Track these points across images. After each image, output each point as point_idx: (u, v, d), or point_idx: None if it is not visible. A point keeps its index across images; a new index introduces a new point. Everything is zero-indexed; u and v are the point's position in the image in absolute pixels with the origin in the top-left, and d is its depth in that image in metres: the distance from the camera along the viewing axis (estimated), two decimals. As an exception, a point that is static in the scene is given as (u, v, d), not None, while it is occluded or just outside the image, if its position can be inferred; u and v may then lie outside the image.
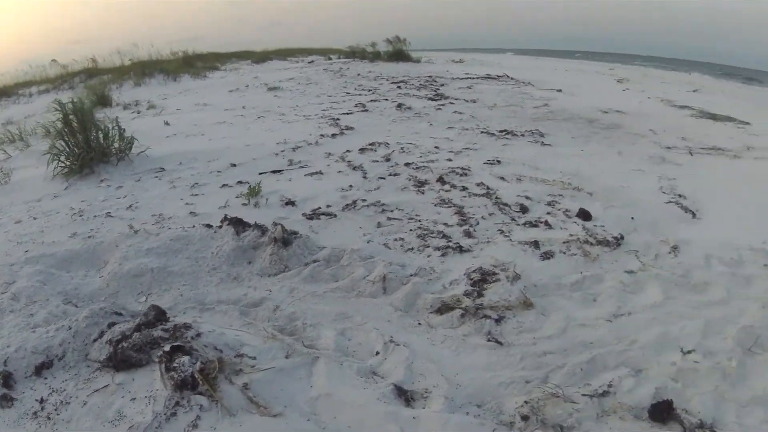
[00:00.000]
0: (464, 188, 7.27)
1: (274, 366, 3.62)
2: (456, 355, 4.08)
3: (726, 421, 3.63)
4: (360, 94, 15.98)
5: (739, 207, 7.90)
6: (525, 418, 3.46)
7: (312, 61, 28.18)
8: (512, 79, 20.33)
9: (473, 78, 20.16)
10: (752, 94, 31.15)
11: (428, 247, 5.65)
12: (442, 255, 5.49)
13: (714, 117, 16.66)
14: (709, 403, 3.74)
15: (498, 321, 4.42)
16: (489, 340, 4.20)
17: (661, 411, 3.57)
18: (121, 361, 3.53)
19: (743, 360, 4.25)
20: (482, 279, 4.97)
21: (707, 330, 4.60)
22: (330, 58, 29.60)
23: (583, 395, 3.70)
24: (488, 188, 7.33)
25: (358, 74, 21.48)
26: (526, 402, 3.58)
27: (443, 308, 4.55)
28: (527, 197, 7.12)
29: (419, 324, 4.42)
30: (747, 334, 4.54)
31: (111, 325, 3.87)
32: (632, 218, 6.79)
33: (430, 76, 20.25)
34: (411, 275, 5.05)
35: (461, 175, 7.84)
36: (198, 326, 3.90)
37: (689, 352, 4.27)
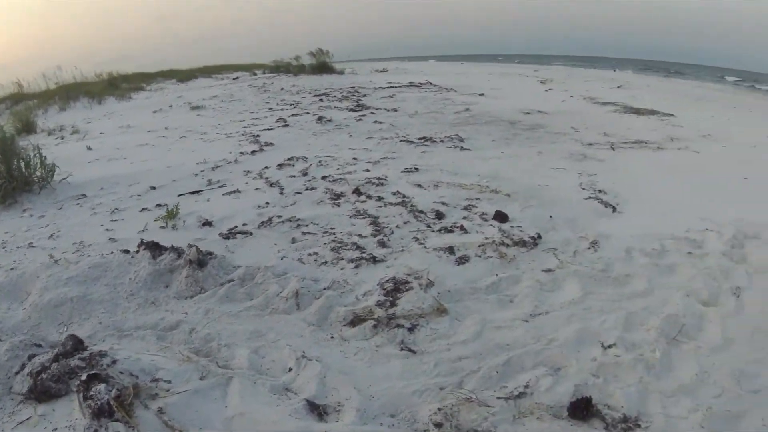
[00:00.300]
0: (380, 198, 7.37)
1: (189, 388, 3.64)
2: (369, 366, 4.12)
3: (651, 412, 3.73)
4: (282, 109, 16.04)
5: (661, 197, 8.15)
6: (438, 425, 3.52)
7: (237, 78, 28.28)
8: (435, 85, 20.66)
9: (396, 87, 20.44)
10: (675, 86, 32.21)
11: (342, 259, 5.69)
12: (356, 267, 5.55)
13: (637, 111, 17.14)
14: (633, 397, 3.83)
15: (411, 329, 4.49)
16: (402, 350, 4.27)
17: (581, 408, 3.64)
18: (42, 392, 3.55)
19: (668, 350, 4.38)
20: (395, 288, 5.05)
21: (629, 323, 4.72)
22: (255, 74, 29.76)
23: (499, 398, 3.77)
24: (404, 197, 7.42)
25: (282, 89, 21.56)
26: (439, 409, 3.63)
27: (356, 320, 4.60)
28: (443, 203, 7.23)
29: (332, 337, 4.46)
30: (671, 323, 4.69)
31: (31, 357, 3.88)
32: (551, 217, 6.95)
33: (352, 87, 20.43)
34: (324, 289, 5.10)
35: (377, 185, 7.95)
36: (114, 353, 3.91)
37: (610, 346, 4.36)
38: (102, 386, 3.38)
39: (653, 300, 5.16)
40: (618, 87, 26.16)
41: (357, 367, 4.11)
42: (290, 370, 4.01)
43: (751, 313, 5.21)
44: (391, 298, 4.89)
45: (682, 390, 3.97)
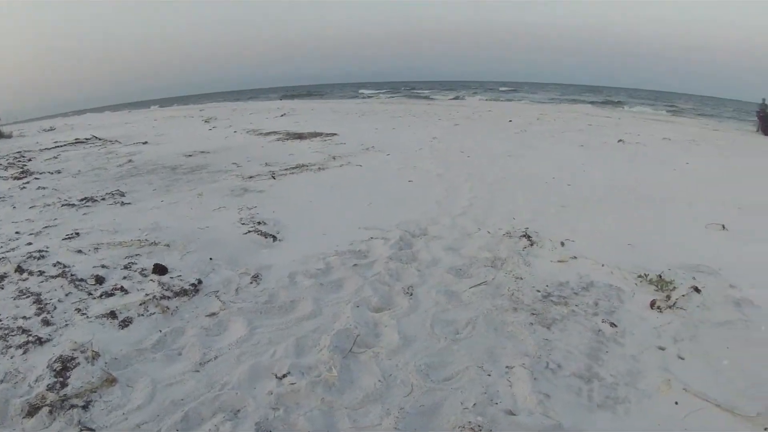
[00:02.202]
0: (41, 272, 6.84)
1: None
2: (54, 456, 3.91)
3: (341, 429, 3.86)
4: (-51, 190, 14.74)
5: (323, 216, 8.55)
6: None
7: None
8: (100, 139, 20.04)
9: (61, 146, 19.40)
10: (339, 106, 34.31)
11: (11, 347, 5.28)
12: (24, 353, 5.16)
13: (300, 136, 17.97)
14: (317, 419, 3.94)
15: (85, 407, 4.31)
16: (81, 430, 4.08)
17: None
18: None
19: (346, 364, 4.56)
20: (64, 367, 4.80)
21: (300, 347, 4.84)
22: (-72, 153, 27.35)
23: (183, 456, 3.70)
24: (64, 266, 6.96)
25: (-47, 166, 19.91)
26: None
27: (32, 410, 4.32)
28: (103, 266, 6.91)
29: (16, 435, 4.24)
30: (344, 338, 4.88)
31: None
32: (211, 259, 6.92)
33: (19, 152, 18.94)
34: (-1, 384, 4.85)
35: (39, 258, 7.38)
36: None
37: (285, 375, 4.41)
38: None
39: (322, 319, 5.35)
40: (282, 115, 27.41)
41: (41, 460, 3.88)
42: (-16, 478, 3.75)
43: (427, 307, 5.58)
44: (61, 379, 4.64)
45: (368, 399, 4.15)
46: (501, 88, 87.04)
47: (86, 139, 20.23)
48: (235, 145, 17.29)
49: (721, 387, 4.43)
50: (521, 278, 6.39)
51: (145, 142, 18.53)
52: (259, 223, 8.30)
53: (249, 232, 7.88)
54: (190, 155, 15.26)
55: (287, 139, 17.84)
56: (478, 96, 62.52)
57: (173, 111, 39.38)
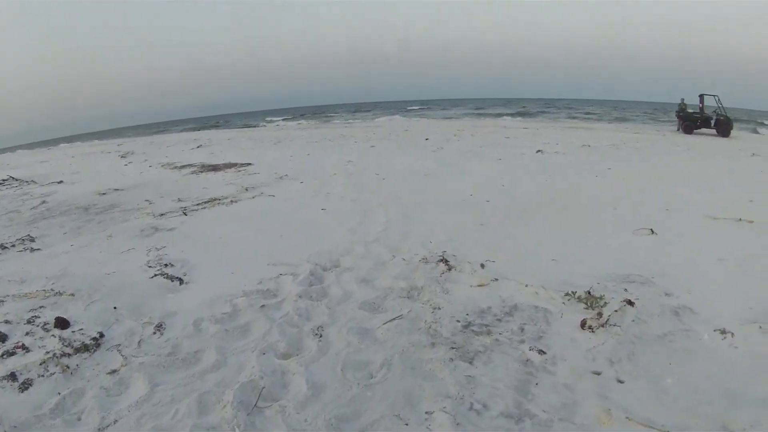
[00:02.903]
0: None
1: None
2: None
3: None
4: None
5: (233, 253, 8.32)
6: None
7: None
8: (17, 180, 19.40)
9: None
10: (254, 134, 35.36)
11: None
12: None
13: (215, 168, 17.93)
14: None
15: None
16: None
17: None
18: None
19: (251, 421, 4.24)
20: None
21: (203, 405, 4.47)
22: None
23: None
24: None
25: None
26: None
27: None
28: (7, 321, 6.41)
29: None
30: (248, 391, 4.56)
31: None
32: (115, 308, 6.48)
33: (-66, 198, 18.59)
34: None
35: None
36: None
37: None
38: None
39: (227, 371, 5.01)
40: (198, 147, 27.47)
41: None
42: None
43: (338, 349, 5.31)
44: (-37, 453, 4.36)
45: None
46: (409, 107, 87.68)
47: (3, 180, 19.62)
48: (149, 180, 17.01)
49: (668, 409, 4.26)
50: (439, 308, 6.18)
51: (61, 182, 18.05)
52: (166, 265, 7.92)
53: (155, 275, 7.48)
54: (103, 193, 14.87)
55: (202, 172, 17.74)
56: (387, 116, 63.48)
57: (90, 147, 38.91)
